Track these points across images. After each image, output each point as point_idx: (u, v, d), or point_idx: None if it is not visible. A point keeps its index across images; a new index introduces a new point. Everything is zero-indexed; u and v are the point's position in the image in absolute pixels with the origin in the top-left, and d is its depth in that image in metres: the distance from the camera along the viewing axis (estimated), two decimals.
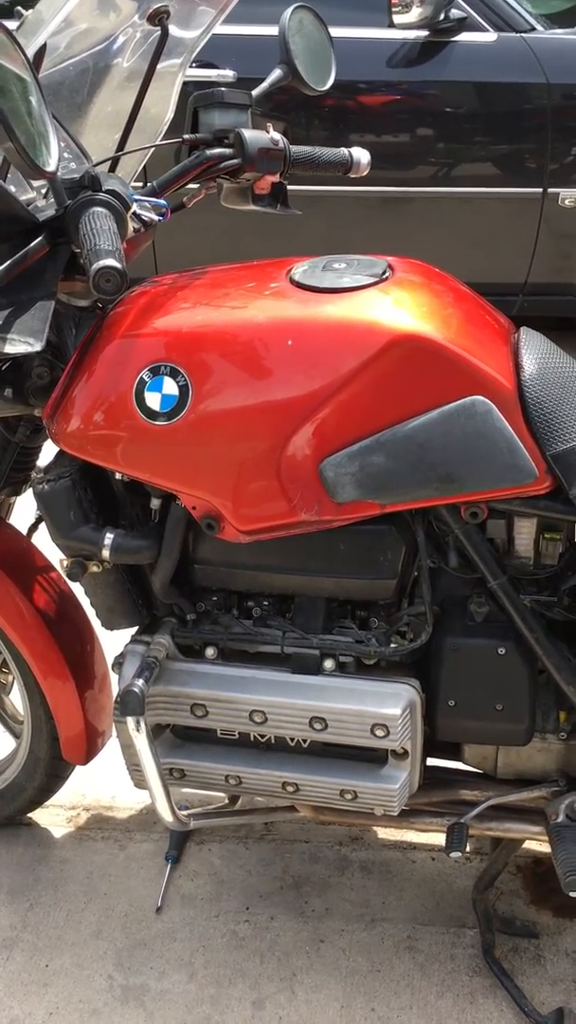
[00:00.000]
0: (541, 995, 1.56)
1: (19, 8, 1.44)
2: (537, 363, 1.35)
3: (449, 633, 1.42)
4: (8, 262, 1.22)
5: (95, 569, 1.46)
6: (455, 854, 1.48)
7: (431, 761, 1.55)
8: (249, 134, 1.45)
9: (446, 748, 1.54)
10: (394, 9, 3.11)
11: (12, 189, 1.25)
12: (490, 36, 3.25)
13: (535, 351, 1.37)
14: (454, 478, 1.30)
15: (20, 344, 1.21)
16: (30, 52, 1.25)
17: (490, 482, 1.31)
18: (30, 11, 1.42)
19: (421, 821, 1.58)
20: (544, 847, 1.66)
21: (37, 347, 1.23)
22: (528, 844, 1.68)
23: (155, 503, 1.44)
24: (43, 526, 1.57)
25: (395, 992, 1.58)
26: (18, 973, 1.64)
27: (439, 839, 1.74)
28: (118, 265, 1.14)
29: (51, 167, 1.17)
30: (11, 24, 1.22)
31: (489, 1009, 1.55)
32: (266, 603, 1.49)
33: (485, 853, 1.77)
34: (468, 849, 1.56)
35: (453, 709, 1.44)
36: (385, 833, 1.85)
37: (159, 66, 1.47)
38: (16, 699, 1.82)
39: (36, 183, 1.39)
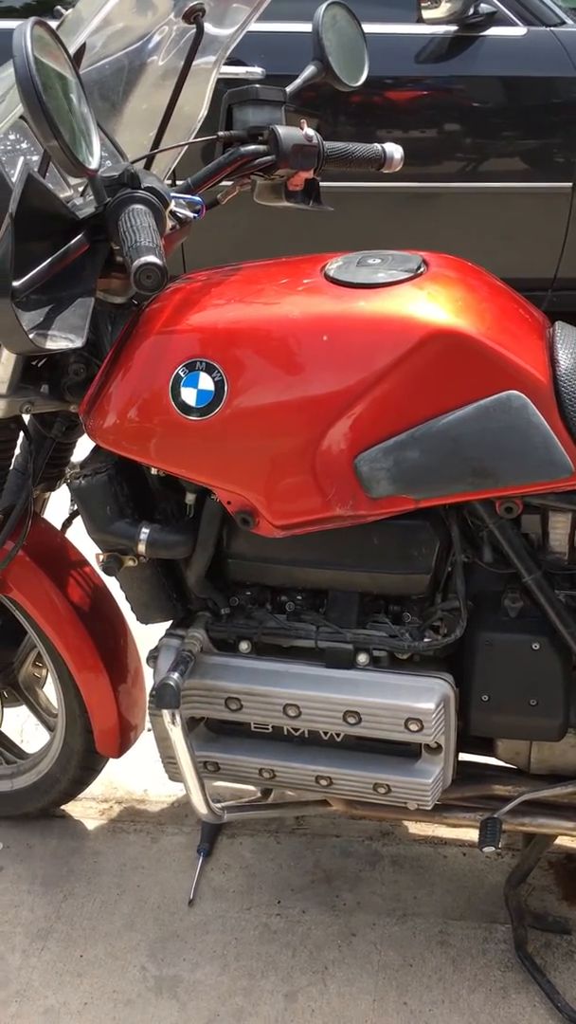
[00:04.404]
0: (574, 990, 1.56)
1: (59, 8, 1.45)
2: (573, 358, 1.34)
3: (483, 628, 1.43)
4: (48, 260, 1.23)
5: (131, 563, 1.47)
6: (488, 849, 1.48)
7: (464, 756, 1.55)
8: (283, 131, 1.45)
9: (479, 743, 1.54)
10: (423, 5, 3.10)
11: (51, 187, 1.26)
12: (519, 30, 3.24)
13: (571, 346, 1.37)
14: (489, 473, 1.31)
15: (61, 340, 1.22)
16: (71, 51, 1.26)
17: (525, 477, 1.31)
18: (70, 10, 1.43)
19: (454, 816, 1.58)
20: None
21: (78, 343, 1.24)
22: (561, 840, 1.68)
23: (190, 498, 1.45)
24: (77, 521, 1.59)
25: (427, 986, 1.59)
26: (53, 963, 1.65)
27: (469, 834, 1.75)
28: (159, 262, 1.15)
29: (93, 165, 1.18)
30: (51, 23, 1.23)
31: (522, 1004, 1.55)
32: (300, 597, 1.49)
33: (517, 849, 1.77)
34: (500, 844, 1.57)
35: (487, 704, 1.44)
36: (416, 828, 1.85)
37: (193, 64, 1.48)
38: (50, 692, 1.84)
39: (73, 181, 1.40)
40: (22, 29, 1.08)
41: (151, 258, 1.15)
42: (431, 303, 1.31)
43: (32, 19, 1.09)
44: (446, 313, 1.30)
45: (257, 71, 3.13)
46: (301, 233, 2.93)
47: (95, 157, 1.19)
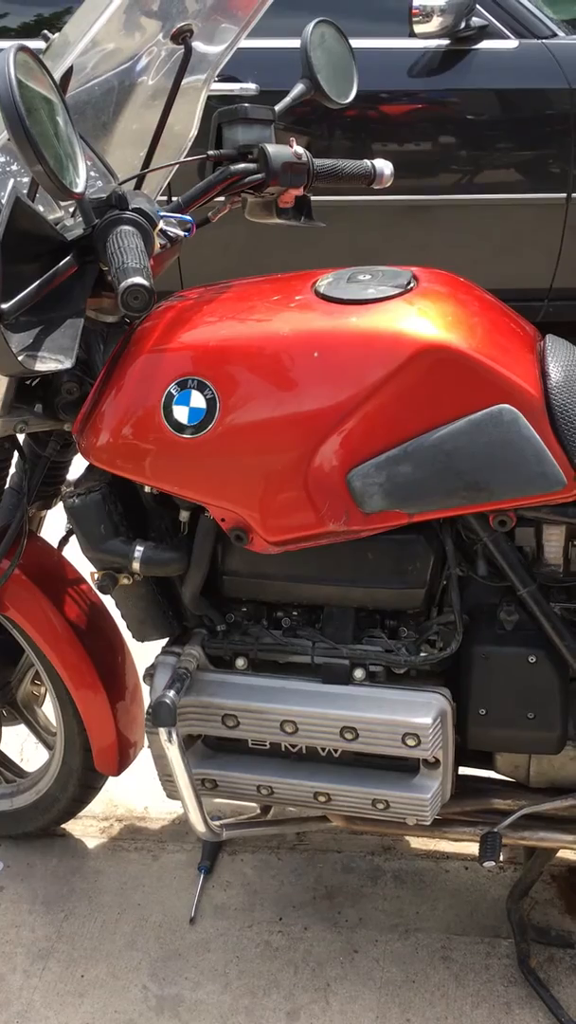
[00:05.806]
0: None
1: (46, 32, 1.47)
2: (563, 370, 1.35)
3: (479, 642, 1.42)
4: (38, 281, 1.23)
5: (126, 581, 1.48)
6: (489, 864, 1.47)
7: (463, 770, 1.55)
8: (273, 149, 1.46)
9: (478, 757, 1.54)
10: (415, 19, 3.12)
11: (40, 209, 1.26)
12: (511, 43, 3.25)
13: (561, 358, 1.37)
14: (482, 487, 1.31)
15: (51, 361, 1.23)
16: (57, 74, 1.27)
17: (518, 490, 1.31)
18: (56, 34, 1.44)
19: (454, 831, 1.57)
20: None
21: (67, 364, 1.24)
22: (562, 853, 1.67)
23: (184, 515, 1.45)
24: (73, 539, 1.59)
25: (430, 1003, 1.58)
26: (54, 983, 1.65)
27: (472, 849, 1.74)
28: (145, 283, 1.16)
29: (79, 188, 1.19)
30: (38, 46, 1.24)
31: (525, 1020, 1.54)
32: (295, 613, 1.49)
33: (519, 862, 1.76)
34: (502, 859, 1.56)
35: (484, 718, 1.43)
36: (418, 843, 1.85)
37: (183, 83, 1.49)
38: (49, 711, 1.84)
39: (63, 203, 1.41)
40: (5, 55, 1.08)
41: (138, 279, 1.16)
42: (421, 318, 1.31)
43: (15, 44, 1.10)
44: (436, 328, 1.30)
45: (251, 87, 3.15)
46: (298, 247, 2.94)
47: (81, 180, 1.19)
